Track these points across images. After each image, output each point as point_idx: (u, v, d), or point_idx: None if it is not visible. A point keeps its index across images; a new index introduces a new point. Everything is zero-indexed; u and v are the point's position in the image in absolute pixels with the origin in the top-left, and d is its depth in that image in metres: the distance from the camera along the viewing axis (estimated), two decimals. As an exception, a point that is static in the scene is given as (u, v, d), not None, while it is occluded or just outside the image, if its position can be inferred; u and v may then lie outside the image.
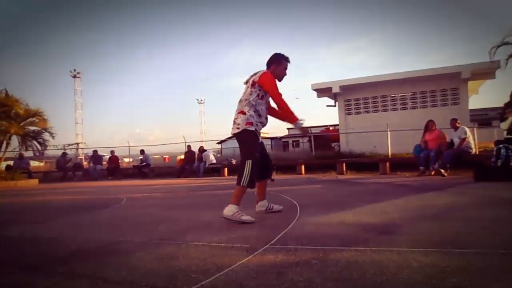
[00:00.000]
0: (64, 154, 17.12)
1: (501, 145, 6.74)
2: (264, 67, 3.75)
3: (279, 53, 3.74)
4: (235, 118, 3.60)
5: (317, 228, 2.99)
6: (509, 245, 2.20)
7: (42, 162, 26.13)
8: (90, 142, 40.66)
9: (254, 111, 3.56)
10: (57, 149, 20.07)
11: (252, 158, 3.43)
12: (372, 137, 13.54)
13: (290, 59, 3.74)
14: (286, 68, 3.75)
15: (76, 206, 5.92)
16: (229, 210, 3.33)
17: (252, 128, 3.52)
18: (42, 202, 6.68)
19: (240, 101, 3.65)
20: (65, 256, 2.47)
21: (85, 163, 18.58)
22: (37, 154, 17.17)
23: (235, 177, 3.52)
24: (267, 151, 4.08)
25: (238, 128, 3.55)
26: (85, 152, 26.36)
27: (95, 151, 16.40)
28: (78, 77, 44.68)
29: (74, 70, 44.80)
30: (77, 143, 37.70)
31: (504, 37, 14.43)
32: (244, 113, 3.54)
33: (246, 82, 3.69)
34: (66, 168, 15.94)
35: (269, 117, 3.79)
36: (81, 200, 6.82)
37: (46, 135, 16.26)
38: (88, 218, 4.38)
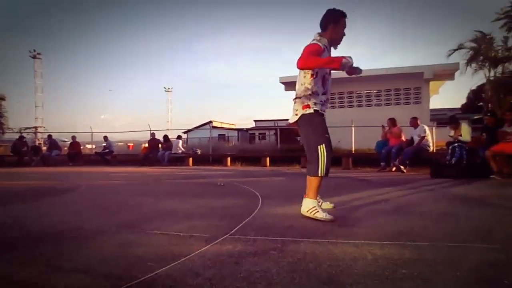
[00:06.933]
0: (21, 137, 16.30)
1: (456, 144, 7.10)
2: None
3: (334, 10, 3.07)
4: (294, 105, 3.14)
5: (278, 219, 3.01)
6: (456, 238, 2.32)
7: (-5, 145, 24.82)
8: (51, 127, 38.52)
9: (311, 93, 3.02)
10: (13, 132, 19.14)
11: (322, 142, 2.97)
12: (337, 132, 13.76)
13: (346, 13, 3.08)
14: (345, 27, 3.09)
15: (32, 191, 5.66)
16: (306, 206, 3.02)
17: (311, 110, 3.01)
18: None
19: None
20: (17, 242, 2.35)
21: (44, 148, 17.79)
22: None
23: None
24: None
25: (296, 115, 3.09)
26: (44, 137, 25.23)
27: (49, 136, 15.79)
28: (39, 58, 41.98)
29: (34, 50, 41.68)
30: (35, 127, 35.88)
31: (460, 42, 15.21)
32: (299, 98, 3.09)
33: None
34: (23, 152, 15.21)
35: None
36: (38, 186, 6.52)
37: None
38: (45, 204, 4.20)
